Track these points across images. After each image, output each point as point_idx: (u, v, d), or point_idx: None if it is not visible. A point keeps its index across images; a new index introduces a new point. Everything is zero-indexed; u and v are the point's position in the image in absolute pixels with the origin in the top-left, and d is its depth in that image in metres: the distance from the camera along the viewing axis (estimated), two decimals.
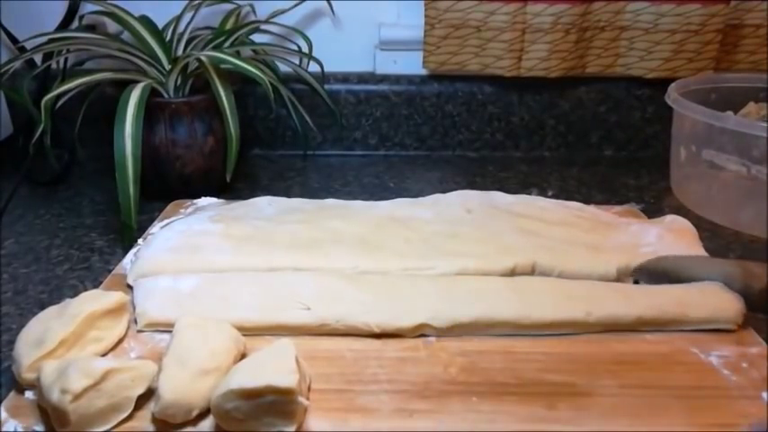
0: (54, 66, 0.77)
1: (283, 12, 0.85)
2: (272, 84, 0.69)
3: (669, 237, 0.58)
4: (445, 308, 0.48)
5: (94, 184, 0.80)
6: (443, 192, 0.68)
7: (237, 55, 0.73)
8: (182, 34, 0.77)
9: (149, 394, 0.40)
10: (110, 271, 0.57)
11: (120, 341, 0.47)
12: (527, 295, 0.49)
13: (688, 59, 0.82)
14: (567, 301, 0.49)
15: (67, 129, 0.74)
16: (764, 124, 0.60)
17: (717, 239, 0.64)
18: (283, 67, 0.87)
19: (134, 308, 0.49)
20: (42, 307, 0.47)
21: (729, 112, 0.71)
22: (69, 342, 0.43)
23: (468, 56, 0.84)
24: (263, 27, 0.84)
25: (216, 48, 0.74)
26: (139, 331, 0.48)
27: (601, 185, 0.80)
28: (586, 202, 0.67)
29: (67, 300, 0.46)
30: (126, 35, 0.75)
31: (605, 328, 0.48)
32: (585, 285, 0.51)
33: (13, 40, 0.83)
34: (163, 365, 0.40)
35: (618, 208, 0.68)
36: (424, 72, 0.88)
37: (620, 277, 0.54)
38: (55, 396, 0.37)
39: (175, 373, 0.39)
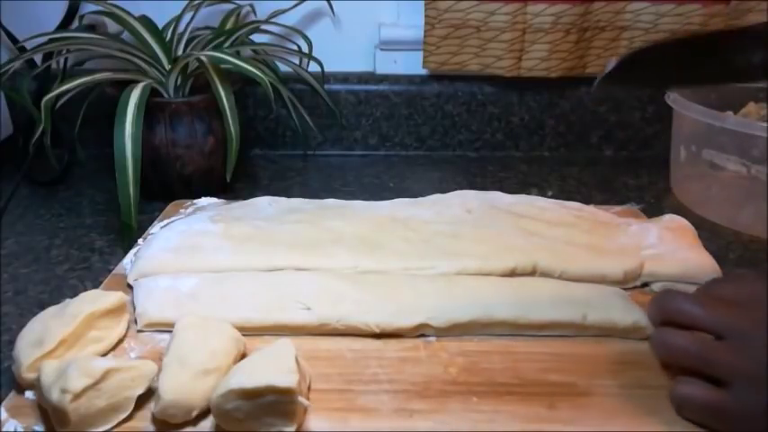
0: (54, 66, 0.77)
1: (283, 12, 0.85)
2: (272, 84, 0.69)
3: (669, 236, 0.58)
4: (445, 308, 0.48)
5: (94, 184, 0.80)
6: (443, 192, 0.68)
7: (237, 55, 0.73)
8: (182, 34, 0.77)
9: (149, 394, 0.40)
10: (110, 271, 0.57)
11: (120, 341, 0.47)
12: (525, 296, 0.49)
13: None
14: (566, 304, 0.49)
15: (67, 129, 0.74)
16: (764, 124, 0.60)
17: (717, 239, 0.64)
18: (283, 67, 0.87)
19: (134, 308, 0.49)
20: (42, 307, 0.47)
21: (729, 112, 0.70)
22: (69, 342, 0.43)
23: (468, 56, 0.84)
24: (263, 27, 0.84)
25: (216, 48, 0.74)
26: (139, 331, 0.48)
27: (601, 185, 0.80)
28: (586, 202, 0.67)
29: (67, 300, 0.46)
30: (126, 35, 0.75)
31: (600, 332, 0.48)
32: (586, 288, 0.51)
33: (13, 40, 0.83)
34: (163, 365, 0.40)
35: (618, 208, 0.68)
36: (424, 72, 0.88)
37: (626, 280, 0.54)
38: (55, 396, 0.37)
39: (175, 373, 0.40)
